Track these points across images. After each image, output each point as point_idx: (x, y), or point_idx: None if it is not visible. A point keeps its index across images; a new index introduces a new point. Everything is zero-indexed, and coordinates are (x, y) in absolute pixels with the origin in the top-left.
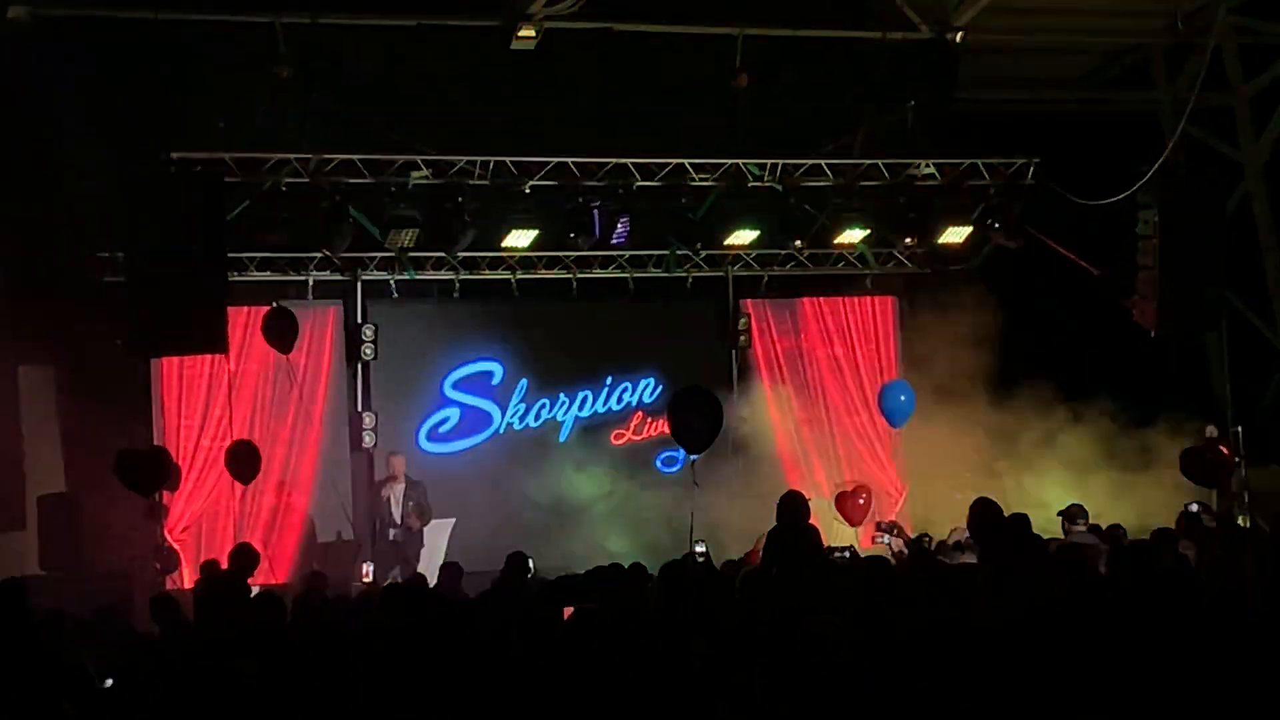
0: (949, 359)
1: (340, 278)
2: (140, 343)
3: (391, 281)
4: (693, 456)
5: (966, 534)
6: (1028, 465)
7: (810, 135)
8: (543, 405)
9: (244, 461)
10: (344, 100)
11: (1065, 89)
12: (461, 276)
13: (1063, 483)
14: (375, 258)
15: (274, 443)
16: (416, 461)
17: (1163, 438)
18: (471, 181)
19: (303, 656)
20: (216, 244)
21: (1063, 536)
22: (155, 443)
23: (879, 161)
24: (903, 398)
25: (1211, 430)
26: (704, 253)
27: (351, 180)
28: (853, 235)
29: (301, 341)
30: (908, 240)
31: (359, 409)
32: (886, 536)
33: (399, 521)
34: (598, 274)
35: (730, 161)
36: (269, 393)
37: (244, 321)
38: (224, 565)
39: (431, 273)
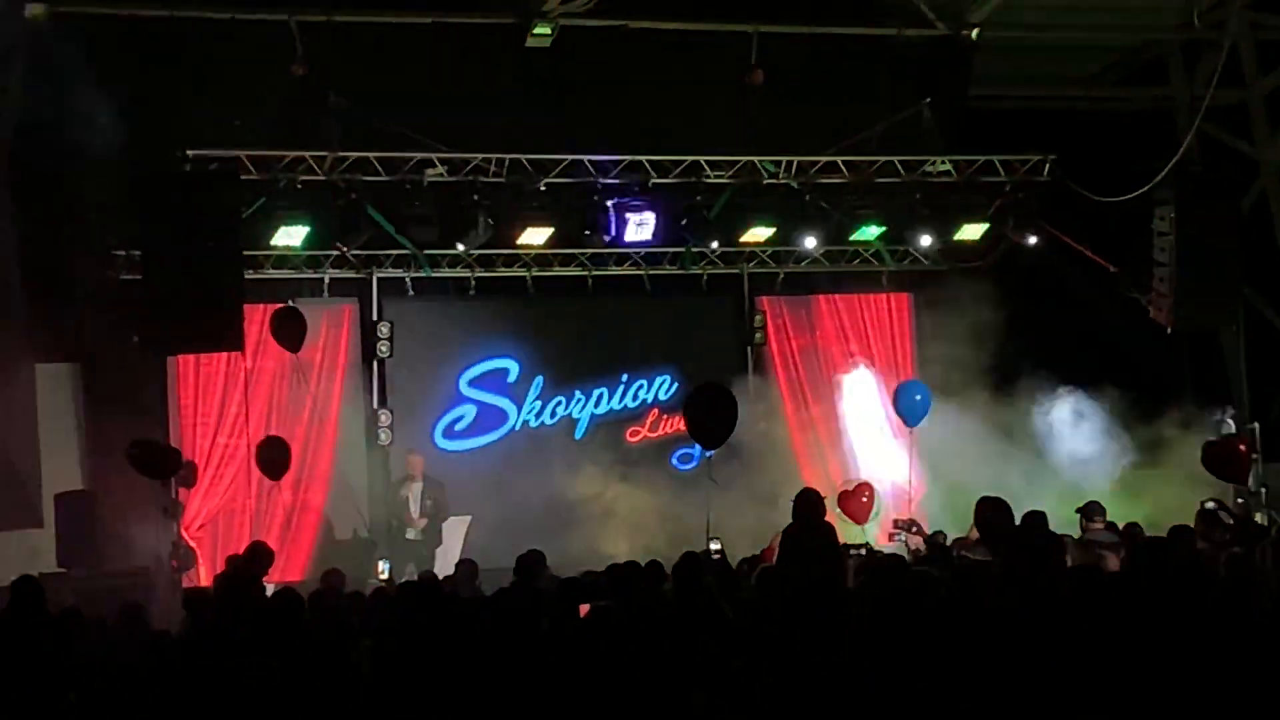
0: (964, 355)
1: (356, 275)
2: (157, 340)
3: (407, 279)
4: (708, 453)
5: None
6: (1046, 461)
7: (825, 132)
8: (558, 402)
9: (274, 457)
10: (359, 98)
11: (1081, 86)
12: (477, 274)
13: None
14: (391, 255)
15: (290, 440)
16: (432, 459)
17: (1177, 433)
18: (486, 179)
19: (319, 653)
20: (232, 241)
21: (1080, 533)
22: (171, 440)
23: (894, 158)
24: (918, 397)
25: (1227, 423)
26: (719, 250)
27: (367, 178)
28: (868, 232)
29: (317, 339)
30: (924, 240)
31: (375, 406)
32: (903, 534)
33: (416, 519)
34: (613, 271)
35: (745, 159)
36: (285, 390)
37: (260, 319)
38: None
39: (447, 270)
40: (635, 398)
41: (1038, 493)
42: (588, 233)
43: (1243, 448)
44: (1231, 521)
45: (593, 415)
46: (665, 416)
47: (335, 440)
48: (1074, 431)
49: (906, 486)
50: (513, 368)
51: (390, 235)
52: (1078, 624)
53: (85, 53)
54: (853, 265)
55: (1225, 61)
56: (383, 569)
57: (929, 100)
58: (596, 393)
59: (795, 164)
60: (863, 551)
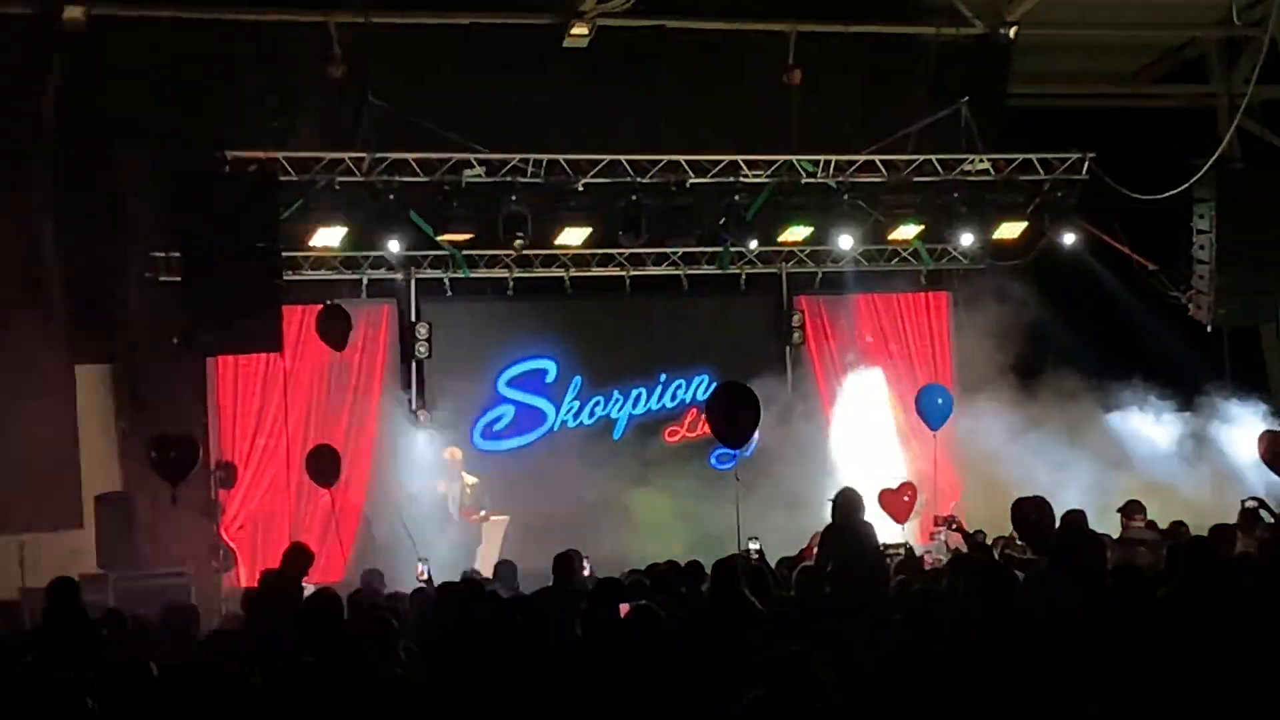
0: (1003, 353)
1: (394, 276)
2: (196, 342)
3: (445, 279)
4: (747, 452)
5: None
6: (1085, 459)
7: (863, 131)
8: (596, 402)
9: (325, 465)
10: (397, 99)
11: (1120, 83)
12: (515, 274)
13: (1116, 478)
14: (429, 256)
15: (329, 441)
16: (471, 459)
17: (1216, 430)
18: (524, 179)
19: (359, 653)
20: (271, 243)
21: (1121, 532)
22: (210, 441)
23: (932, 157)
24: (940, 400)
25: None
26: (758, 249)
27: (405, 179)
28: (906, 231)
29: (356, 340)
30: (966, 239)
31: (413, 407)
32: (943, 532)
33: (455, 519)
34: (651, 271)
35: (783, 158)
36: (324, 391)
37: (299, 320)
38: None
39: (485, 271)
40: (673, 398)
41: (1074, 490)
42: (623, 233)
43: None
44: (1273, 519)
45: (631, 415)
46: (704, 416)
47: (374, 441)
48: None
49: (945, 484)
50: (551, 368)
51: (428, 236)
52: (1120, 621)
53: (124, 56)
54: (891, 264)
55: (1265, 58)
56: (422, 569)
57: (967, 99)
58: (635, 393)
59: (833, 163)
60: (901, 551)
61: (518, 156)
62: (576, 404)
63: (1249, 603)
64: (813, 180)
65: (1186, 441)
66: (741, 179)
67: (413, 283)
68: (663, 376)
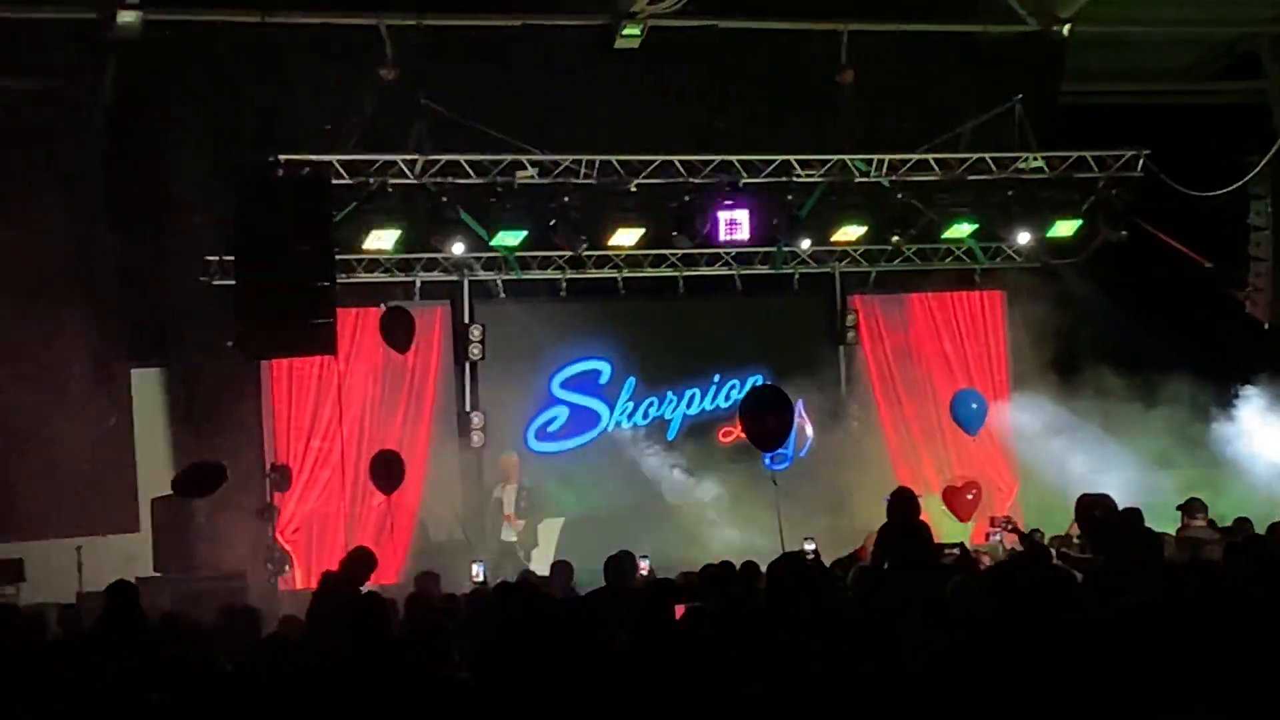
0: (1058, 352)
1: (447, 278)
2: (250, 345)
3: (498, 281)
4: (788, 454)
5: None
6: (1141, 458)
7: (916, 130)
8: (650, 403)
9: (389, 470)
10: (449, 101)
11: (1173, 80)
12: (568, 275)
13: (1173, 477)
14: (482, 258)
15: (383, 444)
16: (526, 461)
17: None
18: (577, 180)
19: (415, 655)
20: (324, 246)
21: (1180, 530)
22: (265, 444)
23: (986, 155)
24: (974, 405)
25: None
26: (811, 249)
27: (458, 180)
28: (960, 230)
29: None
30: (1022, 237)
31: (467, 409)
32: (999, 532)
33: (513, 520)
34: (704, 271)
35: (836, 158)
36: (378, 394)
37: (352, 323)
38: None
39: (538, 272)
40: (728, 398)
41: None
42: (676, 233)
43: None
44: None
45: (685, 416)
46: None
47: (429, 443)
48: (1170, 426)
49: (1001, 484)
50: (605, 369)
51: (481, 238)
52: (1178, 622)
53: (177, 60)
54: (945, 263)
55: None
56: (477, 571)
57: (1021, 96)
58: (689, 393)
59: (886, 162)
60: (956, 551)
61: (570, 158)
62: (630, 405)
63: None
64: (866, 179)
65: (1243, 438)
66: (794, 179)
67: (466, 285)
68: (716, 377)
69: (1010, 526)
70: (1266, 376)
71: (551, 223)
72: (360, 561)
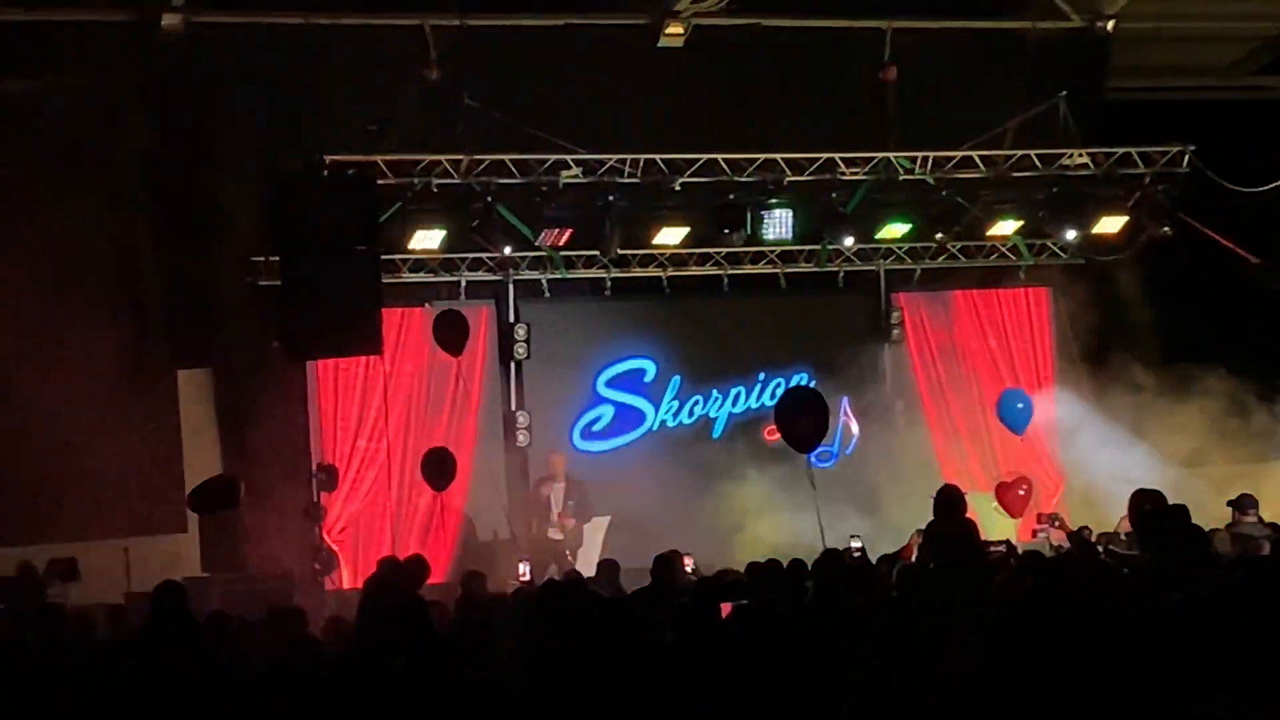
0: (1104, 349)
1: (492, 278)
2: (296, 345)
3: (543, 280)
4: (834, 452)
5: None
6: (1185, 454)
7: (961, 127)
8: (695, 402)
9: (441, 468)
10: (493, 101)
11: (1219, 75)
12: (613, 275)
13: (1224, 473)
14: (526, 257)
15: (429, 443)
16: (571, 460)
17: None
18: (621, 180)
19: (462, 655)
20: (370, 246)
21: (1230, 527)
22: (312, 444)
23: (1031, 152)
24: (1019, 405)
25: None
26: (855, 247)
27: (502, 180)
28: (1005, 227)
29: None
30: (1069, 234)
31: (513, 408)
32: (1047, 530)
33: (558, 520)
34: (749, 270)
35: (880, 155)
36: (423, 393)
37: (397, 322)
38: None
39: (583, 271)
40: (773, 396)
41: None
42: (726, 231)
43: None
44: None
45: (730, 414)
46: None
47: (474, 442)
48: (1218, 423)
49: (1047, 481)
50: (650, 368)
51: (526, 237)
52: (1228, 618)
53: (221, 61)
54: (990, 260)
55: None
56: (523, 570)
57: (1065, 93)
58: (734, 392)
59: (931, 159)
60: (1003, 548)
61: (614, 157)
62: (676, 403)
63: None
64: (910, 177)
65: None
66: (839, 176)
67: (511, 284)
68: (762, 375)
69: (1057, 523)
70: None
71: (475, 223)
72: (414, 569)
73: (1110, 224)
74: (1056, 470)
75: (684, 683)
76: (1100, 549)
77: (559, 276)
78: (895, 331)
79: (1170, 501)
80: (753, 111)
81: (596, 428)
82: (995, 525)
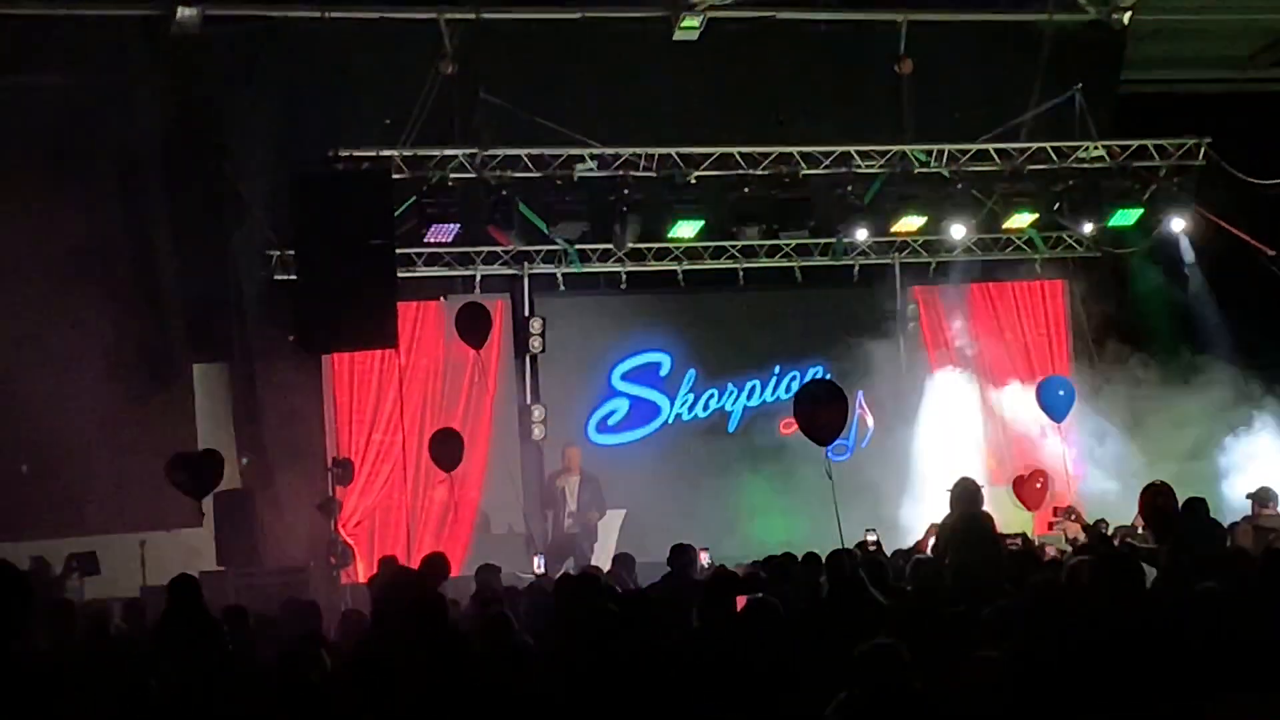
0: (1120, 341)
1: (507, 271)
2: (312, 339)
3: (558, 274)
4: (849, 445)
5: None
6: (1205, 448)
7: (976, 120)
8: (711, 395)
9: (448, 449)
10: (509, 95)
11: (1235, 68)
12: (628, 268)
13: (1241, 466)
14: (541, 251)
15: None
16: (586, 453)
17: None
18: (636, 173)
19: (478, 649)
20: (385, 239)
21: (1251, 520)
22: (327, 438)
23: (1047, 145)
24: (1061, 392)
25: None
26: (871, 239)
27: (517, 174)
28: (1021, 220)
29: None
30: (1086, 226)
31: (528, 402)
32: (1063, 523)
33: (573, 513)
34: (764, 263)
35: (896, 148)
36: (439, 387)
37: (413, 316)
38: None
39: (598, 265)
40: (788, 390)
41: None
42: (739, 226)
43: None
44: None
45: (746, 407)
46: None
47: (490, 436)
48: (1233, 416)
49: (1062, 474)
50: (665, 361)
51: (541, 231)
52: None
53: (236, 56)
54: (1006, 253)
55: None
56: (538, 564)
57: (1081, 86)
58: (749, 385)
59: (946, 152)
60: (1019, 542)
61: (630, 150)
62: (691, 397)
63: None
64: (926, 170)
65: None
66: (854, 169)
67: (526, 278)
68: (777, 368)
69: (1073, 517)
70: None
71: (495, 215)
72: (434, 566)
73: (1126, 216)
74: (1072, 464)
75: (699, 676)
76: (1116, 542)
77: (574, 270)
78: (910, 325)
79: (1184, 495)
80: (768, 104)
81: (612, 421)
82: (1010, 518)
